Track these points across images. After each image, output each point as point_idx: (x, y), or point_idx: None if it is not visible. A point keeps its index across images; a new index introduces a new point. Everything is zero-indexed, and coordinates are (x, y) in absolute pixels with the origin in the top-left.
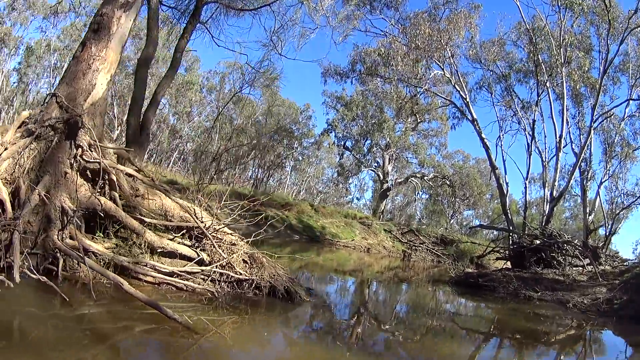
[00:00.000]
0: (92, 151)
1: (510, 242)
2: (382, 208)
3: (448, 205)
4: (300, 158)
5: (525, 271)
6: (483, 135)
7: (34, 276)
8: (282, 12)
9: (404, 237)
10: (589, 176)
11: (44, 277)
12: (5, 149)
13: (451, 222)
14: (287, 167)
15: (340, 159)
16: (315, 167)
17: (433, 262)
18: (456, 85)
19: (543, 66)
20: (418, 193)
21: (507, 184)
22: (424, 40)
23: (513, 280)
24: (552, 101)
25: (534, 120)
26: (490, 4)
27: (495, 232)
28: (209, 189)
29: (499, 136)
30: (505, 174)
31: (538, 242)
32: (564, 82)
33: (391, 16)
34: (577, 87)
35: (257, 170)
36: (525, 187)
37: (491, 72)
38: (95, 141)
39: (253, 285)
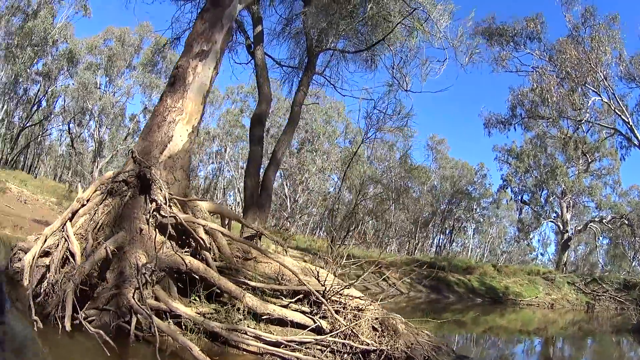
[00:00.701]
0: (170, 206)
1: None
2: (565, 260)
3: (629, 247)
4: (482, 220)
5: None
6: None
7: (91, 329)
8: (399, 46)
9: (587, 288)
10: None
11: (99, 331)
12: (83, 206)
13: (633, 264)
14: (469, 230)
15: (519, 215)
16: (497, 227)
17: (617, 310)
18: (616, 110)
19: None
20: (598, 239)
21: None
22: (573, 65)
23: None
24: None
25: None
26: (624, 13)
27: None
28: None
29: None
30: None
31: None
32: None
33: (536, 48)
34: None
35: (438, 236)
36: None
37: None
38: (171, 195)
39: (383, 356)
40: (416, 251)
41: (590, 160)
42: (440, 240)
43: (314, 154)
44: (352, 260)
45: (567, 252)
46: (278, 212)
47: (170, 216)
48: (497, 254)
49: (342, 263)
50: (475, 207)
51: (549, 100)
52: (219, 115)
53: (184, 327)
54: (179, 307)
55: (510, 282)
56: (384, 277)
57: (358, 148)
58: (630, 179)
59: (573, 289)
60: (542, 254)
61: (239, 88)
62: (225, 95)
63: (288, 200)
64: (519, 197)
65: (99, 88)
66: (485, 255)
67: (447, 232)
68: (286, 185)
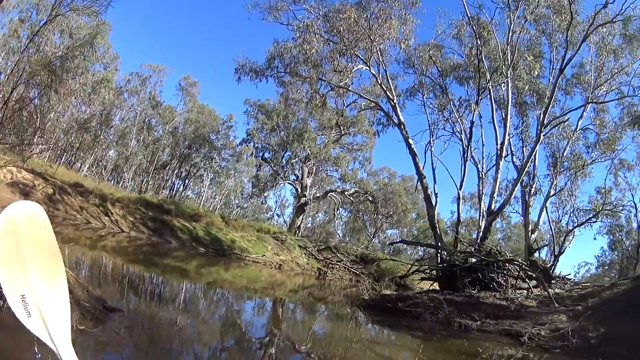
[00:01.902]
0: None
1: (439, 260)
2: (299, 223)
3: (370, 222)
4: (220, 170)
5: (457, 294)
6: (410, 141)
7: None
8: None
9: (320, 255)
10: (532, 191)
11: None
12: None
13: (373, 240)
14: (206, 180)
15: (257, 171)
16: (235, 180)
17: (352, 281)
18: (383, 85)
19: (485, 64)
20: (338, 210)
21: (436, 195)
22: (349, 28)
23: (443, 305)
24: (493, 106)
25: (472, 122)
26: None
27: (420, 252)
28: None
29: (430, 141)
30: (435, 183)
31: (474, 260)
32: (509, 85)
33: (316, 6)
34: (523, 94)
35: (174, 179)
36: (459, 198)
37: (424, 76)
38: None
39: None
40: (148, 191)
41: (343, 133)
42: (176, 185)
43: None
44: None
45: (302, 216)
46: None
47: None
48: (231, 207)
49: None
50: (215, 156)
51: (309, 53)
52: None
53: None
54: None
55: (238, 236)
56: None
57: (39, 30)
58: (383, 161)
59: (305, 253)
60: (278, 215)
61: None
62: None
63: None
64: (261, 154)
65: None
66: (219, 207)
67: (183, 176)
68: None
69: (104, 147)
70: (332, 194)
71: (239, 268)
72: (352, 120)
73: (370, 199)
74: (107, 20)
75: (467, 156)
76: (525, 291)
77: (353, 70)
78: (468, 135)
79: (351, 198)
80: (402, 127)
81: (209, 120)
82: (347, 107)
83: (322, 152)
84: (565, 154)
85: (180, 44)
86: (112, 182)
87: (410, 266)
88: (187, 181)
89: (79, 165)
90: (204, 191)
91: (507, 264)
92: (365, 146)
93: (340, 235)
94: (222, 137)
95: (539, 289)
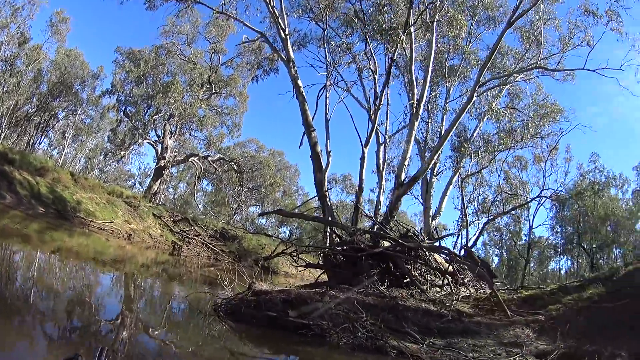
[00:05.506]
0: None
1: (327, 242)
2: (156, 189)
3: (233, 196)
4: (82, 127)
5: (360, 290)
6: (299, 82)
7: None
8: None
9: (176, 226)
10: (434, 171)
11: None
12: None
13: (235, 216)
14: (68, 135)
15: (117, 126)
16: (97, 139)
17: (210, 259)
18: (272, 8)
19: None
20: (200, 179)
21: (328, 153)
22: None
23: (361, 315)
24: (413, 49)
25: (391, 60)
26: None
27: (284, 233)
28: None
29: (325, 85)
30: (328, 139)
31: (387, 244)
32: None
33: None
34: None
35: (37, 133)
36: (362, 157)
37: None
38: None
39: None
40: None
41: (214, 92)
42: (38, 140)
43: None
44: None
45: (160, 181)
46: None
47: None
48: (92, 170)
49: None
50: (79, 110)
51: None
52: None
53: None
54: None
55: (86, 197)
56: None
57: None
58: (251, 132)
59: (159, 223)
60: (140, 184)
61: None
62: None
63: None
64: (123, 108)
65: None
66: (79, 168)
67: (42, 127)
68: None
69: None
70: (194, 158)
71: (84, 236)
72: (226, 80)
73: (236, 167)
74: None
75: (378, 103)
76: (437, 288)
77: None
78: (386, 74)
79: (215, 165)
80: (291, 64)
81: (76, 67)
82: (222, 64)
83: (187, 108)
84: (474, 135)
85: None
86: None
87: (283, 246)
88: (48, 134)
89: None
90: (64, 150)
91: (432, 253)
92: (236, 111)
93: (201, 208)
94: (87, 89)
95: (447, 287)
